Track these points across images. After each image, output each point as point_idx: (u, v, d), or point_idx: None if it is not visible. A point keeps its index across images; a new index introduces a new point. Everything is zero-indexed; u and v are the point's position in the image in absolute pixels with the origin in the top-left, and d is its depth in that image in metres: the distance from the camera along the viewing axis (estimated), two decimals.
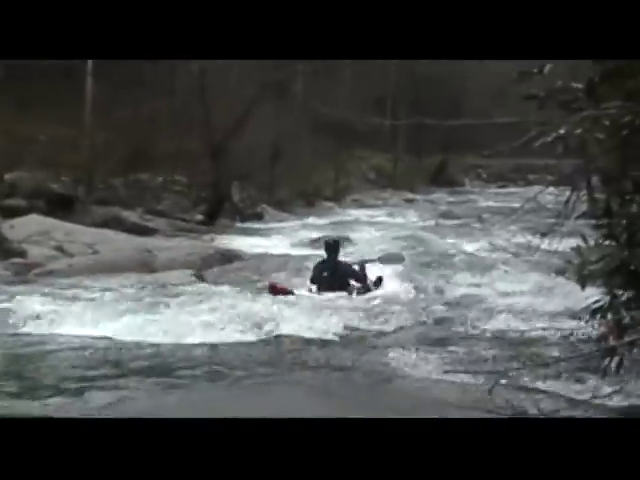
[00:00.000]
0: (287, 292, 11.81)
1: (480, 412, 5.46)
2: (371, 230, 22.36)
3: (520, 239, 16.91)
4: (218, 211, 25.31)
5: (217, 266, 15.16)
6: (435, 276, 13.71)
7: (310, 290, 12.15)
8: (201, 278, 13.60)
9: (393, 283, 12.69)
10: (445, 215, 27.86)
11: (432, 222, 25.24)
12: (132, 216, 21.58)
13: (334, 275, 12.15)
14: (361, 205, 33.15)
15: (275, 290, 11.80)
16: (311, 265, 13.31)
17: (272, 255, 17.15)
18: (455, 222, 25.30)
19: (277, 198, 29.80)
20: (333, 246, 12.57)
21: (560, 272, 12.52)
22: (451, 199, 36.98)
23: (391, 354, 8.15)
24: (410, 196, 37.99)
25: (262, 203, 28.27)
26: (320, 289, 12.07)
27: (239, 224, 25.34)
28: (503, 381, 6.97)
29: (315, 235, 20.88)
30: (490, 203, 32.55)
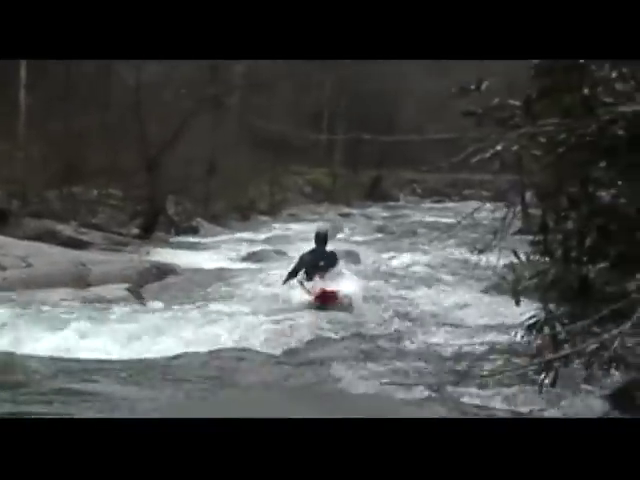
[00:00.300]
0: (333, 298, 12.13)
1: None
2: (306, 244, 22.24)
3: (457, 255, 17.12)
4: (153, 225, 25.09)
5: (153, 280, 15.03)
6: (370, 290, 13.69)
7: (301, 283, 12.51)
8: (137, 293, 13.46)
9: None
10: (380, 230, 27.95)
11: (368, 237, 25.31)
12: (67, 230, 21.27)
13: (328, 264, 12.69)
14: (297, 219, 33.13)
15: (324, 298, 12.08)
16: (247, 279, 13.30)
17: (207, 269, 17.06)
18: (390, 236, 25.47)
19: (212, 212, 29.64)
20: (323, 237, 13.11)
21: (491, 289, 12.74)
22: (385, 214, 37.13)
23: (332, 367, 8.20)
24: (346, 210, 38.12)
25: (197, 217, 28.12)
26: (311, 277, 12.53)
27: (175, 238, 25.16)
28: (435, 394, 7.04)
29: (251, 249, 20.81)
30: (426, 218, 32.71)
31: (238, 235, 26.12)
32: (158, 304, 12.51)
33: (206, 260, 19.10)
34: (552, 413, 6.47)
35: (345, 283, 12.50)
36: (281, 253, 19.27)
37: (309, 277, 12.61)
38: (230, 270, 16.83)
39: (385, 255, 18.93)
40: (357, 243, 22.22)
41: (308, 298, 12.05)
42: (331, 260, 12.84)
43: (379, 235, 26.32)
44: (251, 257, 19.43)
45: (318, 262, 12.70)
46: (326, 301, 12.00)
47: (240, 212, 32.21)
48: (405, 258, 17.85)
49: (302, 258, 12.97)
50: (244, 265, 18.13)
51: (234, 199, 31.69)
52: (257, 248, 21.00)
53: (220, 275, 15.85)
